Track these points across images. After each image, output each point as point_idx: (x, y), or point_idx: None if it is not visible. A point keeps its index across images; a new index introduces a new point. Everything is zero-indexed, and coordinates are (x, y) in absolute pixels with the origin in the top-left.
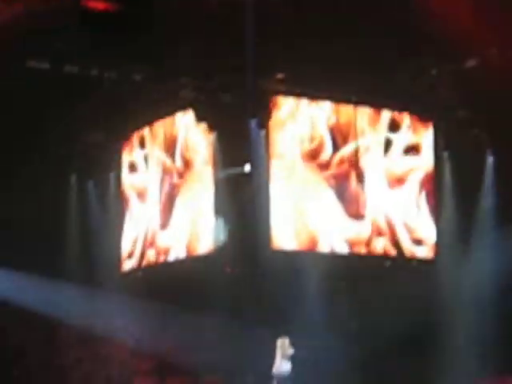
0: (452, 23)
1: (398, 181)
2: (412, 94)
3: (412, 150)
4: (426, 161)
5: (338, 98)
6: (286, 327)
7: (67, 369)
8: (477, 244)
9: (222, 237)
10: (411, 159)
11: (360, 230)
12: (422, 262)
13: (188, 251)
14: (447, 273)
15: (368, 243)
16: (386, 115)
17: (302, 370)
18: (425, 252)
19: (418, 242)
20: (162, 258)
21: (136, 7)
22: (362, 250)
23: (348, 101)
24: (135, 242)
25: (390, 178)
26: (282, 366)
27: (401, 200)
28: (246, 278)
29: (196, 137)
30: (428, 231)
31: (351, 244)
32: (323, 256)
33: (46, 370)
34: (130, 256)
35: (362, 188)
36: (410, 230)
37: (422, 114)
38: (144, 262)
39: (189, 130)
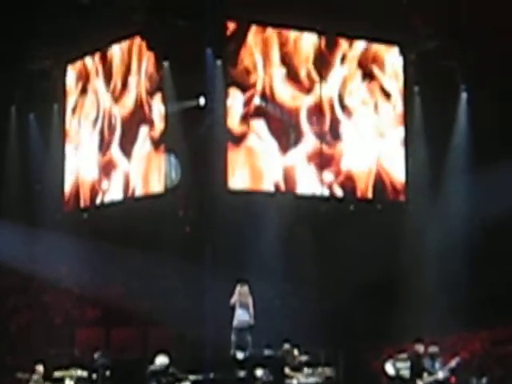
0: None
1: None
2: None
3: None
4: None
5: (303, 26)
6: (243, 274)
7: (5, 318)
8: (448, 187)
9: (174, 175)
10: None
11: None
12: (389, 206)
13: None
14: (417, 216)
15: (330, 186)
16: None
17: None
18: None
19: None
20: (107, 198)
21: None
22: (326, 193)
23: (313, 30)
24: (78, 181)
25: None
26: (241, 315)
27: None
28: (200, 220)
29: (146, 65)
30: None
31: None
32: (284, 198)
33: None
34: (73, 195)
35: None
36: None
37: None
38: (89, 202)
39: (138, 57)
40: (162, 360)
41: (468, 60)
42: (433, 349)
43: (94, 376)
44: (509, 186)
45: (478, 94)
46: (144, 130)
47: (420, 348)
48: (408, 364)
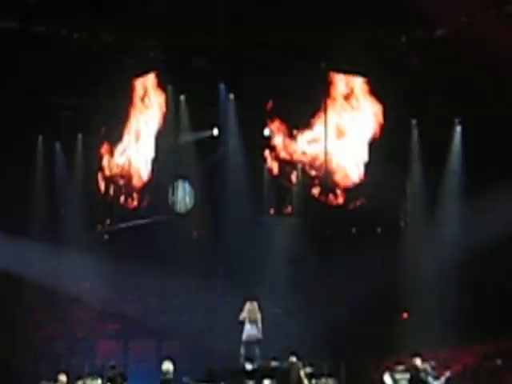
0: None
1: None
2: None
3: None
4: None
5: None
6: (253, 291)
7: (32, 331)
8: (443, 212)
9: (188, 200)
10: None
11: None
12: (389, 228)
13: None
14: (414, 238)
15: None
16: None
17: (270, 337)
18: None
19: None
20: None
21: None
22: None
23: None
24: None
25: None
26: (250, 329)
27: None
28: (213, 241)
29: (159, 99)
30: None
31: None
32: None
33: (10, 332)
34: (97, 219)
35: None
36: None
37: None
38: (111, 225)
39: (153, 91)
40: (166, 366)
41: (460, 97)
42: (429, 362)
43: None
44: (498, 211)
45: (473, 126)
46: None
47: (417, 361)
48: (406, 376)
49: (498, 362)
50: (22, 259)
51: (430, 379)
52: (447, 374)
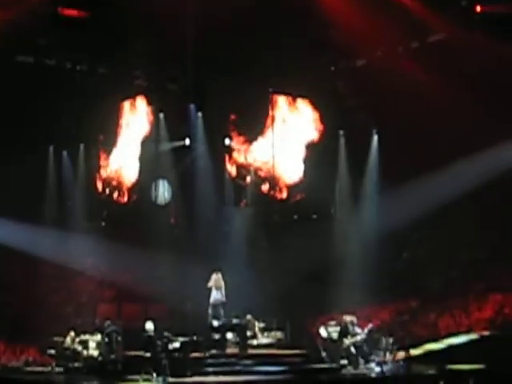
0: (346, 31)
1: None
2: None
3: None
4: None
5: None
6: (218, 264)
7: (45, 296)
8: (364, 203)
9: (167, 195)
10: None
11: None
12: (322, 216)
13: None
14: (341, 223)
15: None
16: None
17: (231, 299)
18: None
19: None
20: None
21: (101, 14)
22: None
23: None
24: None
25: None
26: (216, 295)
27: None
28: (186, 227)
29: (143, 116)
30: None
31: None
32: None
33: (28, 297)
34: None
35: None
36: None
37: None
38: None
39: (139, 110)
40: (149, 325)
41: (376, 113)
42: (353, 317)
43: (107, 339)
44: (406, 203)
45: (386, 136)
46: None
47: (345, 317)
48: (336, 328)
49: (406, 317)
50: (38, 241)
51: (355, 330)
52: (369, 326)
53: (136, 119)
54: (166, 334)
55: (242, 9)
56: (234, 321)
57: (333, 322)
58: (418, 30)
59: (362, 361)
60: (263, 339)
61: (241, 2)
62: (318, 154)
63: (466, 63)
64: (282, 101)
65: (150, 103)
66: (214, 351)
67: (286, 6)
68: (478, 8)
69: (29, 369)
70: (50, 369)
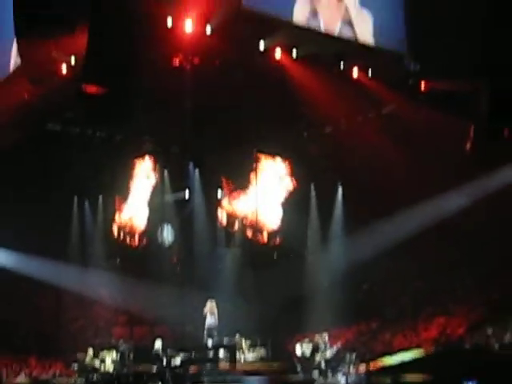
0: (316, 104)
1: None
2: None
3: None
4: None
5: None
6: (211, 294)
7: (69, 321)
8: (332, 243)
9: (171, 238)
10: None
11: None
12: (298, 255)
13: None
14: (314, 262)
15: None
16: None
17: (223, 322)
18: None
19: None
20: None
21: (119, 90)
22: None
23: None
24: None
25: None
26: (210, 319)
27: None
28: (186, 264)
29: (151, 173)
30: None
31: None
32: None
33: (56, 321)
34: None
35: None
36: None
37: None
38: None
39: (147, 168)
40: (158, 343)
41: (342, 169)
42: (325, 337)
43: (120, 356)
44: (366, 242)
45: (349, 190)
46: None
47: (317, 337)
48: (310, 346)
49: (367, 336)
50: (63, 276)
51: (325, 347)
52: (338, 344)
53: (145, 175)
54: (169, 350)
55: (232, 87)
56: (225, 340)
57: (307, 340)
58: (374, 103)
59: (330, 373)
60: (249, 355)
61: (230, 82)
62: (293, 204)
63: (414, 131)
64: (264, 159)
65: (156, 162)
66: (208, 366)
67: (268, 85)
68: (423, 86)
69: (56, 381)
70: (73, 381)
